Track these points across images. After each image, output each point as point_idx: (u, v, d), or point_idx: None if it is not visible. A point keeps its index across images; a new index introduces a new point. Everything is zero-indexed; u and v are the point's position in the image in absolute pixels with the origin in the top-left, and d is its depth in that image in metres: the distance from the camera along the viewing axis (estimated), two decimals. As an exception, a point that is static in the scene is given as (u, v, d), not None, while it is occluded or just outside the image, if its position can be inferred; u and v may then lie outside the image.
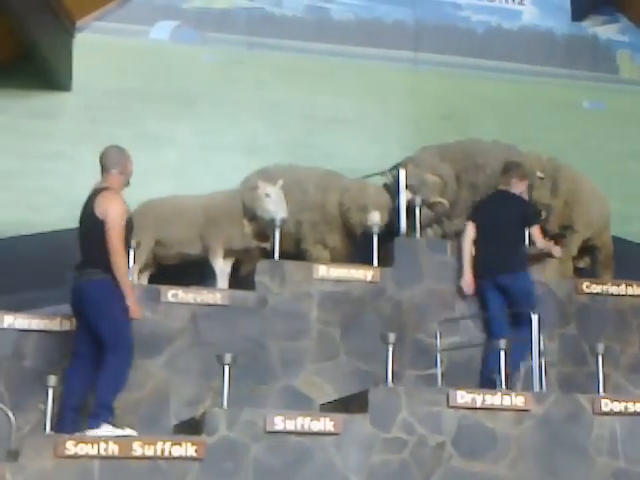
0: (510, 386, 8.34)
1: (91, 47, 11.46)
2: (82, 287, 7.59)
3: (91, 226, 7.60)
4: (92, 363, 7.55)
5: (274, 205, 9.37)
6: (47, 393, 7.48)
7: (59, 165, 11.02)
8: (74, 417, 7.55)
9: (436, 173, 10.19)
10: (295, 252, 9.87)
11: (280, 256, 9.30)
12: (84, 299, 7.58)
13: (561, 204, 10.29)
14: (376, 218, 9.62)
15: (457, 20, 12.92)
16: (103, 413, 7.42)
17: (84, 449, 6.99)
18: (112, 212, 7.50)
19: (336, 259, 9.74)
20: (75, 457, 6.97)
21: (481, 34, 12.95)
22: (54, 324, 8.47)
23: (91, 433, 7.25)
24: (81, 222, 7.80)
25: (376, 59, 12.54)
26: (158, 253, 9.68)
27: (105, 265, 7.50)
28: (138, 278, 9.46)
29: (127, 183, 7.82)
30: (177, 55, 11.96)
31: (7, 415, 7.91)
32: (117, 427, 7.40)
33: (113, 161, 7.76)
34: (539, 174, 10.11)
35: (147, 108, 11.49)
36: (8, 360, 8.32)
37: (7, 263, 10.02)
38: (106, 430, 7.32)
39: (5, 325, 8.40)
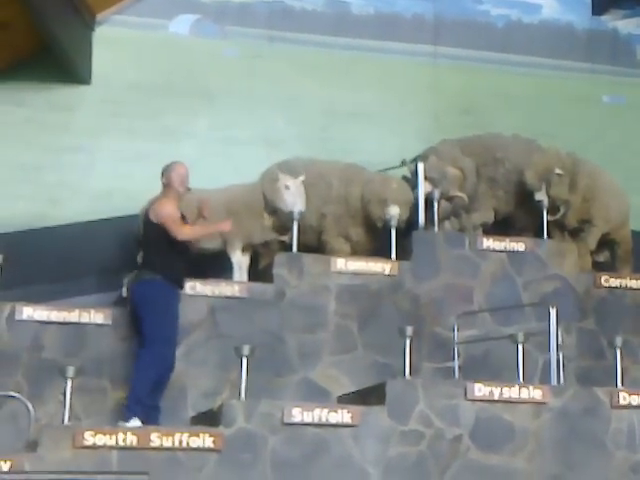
0: None
1: (111, 41, 11.47)
2: (133, 288, 8.26)
3: (145, 230, 8.40)
4: None
5: (292, 197, 9.40)
6: (65, 384, 7.52)
7: (79, 158, 11.04)
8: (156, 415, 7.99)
9: (457, 166, 10.18)
10: (317, 245, 9.87)
11: (302, 249, 9.32)
12: (133, 299, 8.23)
13: (580, 199, 10.27)
14: (395, 212, 9.62)
15: (477, 14, 12.86)
16: (133, 407, 7.71)
17: (102, 440, 7.04)
18: (163, 211, 8.22)
19: (359, 252, 9.73)
20: (93, 447, 7.02)
21: (501, 28, 12.90)
22: (73, 316, 8.52)
23: (121, 424, 7.50)
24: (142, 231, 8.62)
25: (395, 53, 12.51)
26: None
27: (154, 265, 8.13)
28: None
29: (182, 190, 8.43)
30: (197, 49, 11.95)
31: (26, 406, 7.95)
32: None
33: (161, 174, 8.50)
34: (557, 171, 10.10)
35: (166, 102, 11.48)
36: (27, 351, 8.38)
37: (27, 256, 10.05)
38: (134, 424, 7.50)
39: (24, 317, 8.45)
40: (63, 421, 7.41)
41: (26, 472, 6.85)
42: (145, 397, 7.78)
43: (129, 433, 7.13)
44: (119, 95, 11.37)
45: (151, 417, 7.92)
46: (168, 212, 8.22)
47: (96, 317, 8.52)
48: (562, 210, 10.18)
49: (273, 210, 9.56)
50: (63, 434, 7.08)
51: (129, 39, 11.64)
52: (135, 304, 8.21)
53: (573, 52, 12.94)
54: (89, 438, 7.03)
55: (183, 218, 8.41)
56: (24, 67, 11.09)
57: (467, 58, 12.64)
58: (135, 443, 7.09)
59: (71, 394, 7.49)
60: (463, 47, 12.69)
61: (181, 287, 8.42)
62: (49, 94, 11.19)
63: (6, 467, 6.87)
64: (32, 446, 7.29)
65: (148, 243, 8.33)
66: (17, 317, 8.41)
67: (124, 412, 7.75)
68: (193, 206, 9.05)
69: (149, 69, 11.61)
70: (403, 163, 10.29)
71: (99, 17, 11.53)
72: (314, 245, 9.89)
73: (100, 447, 7.03)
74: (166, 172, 8.47)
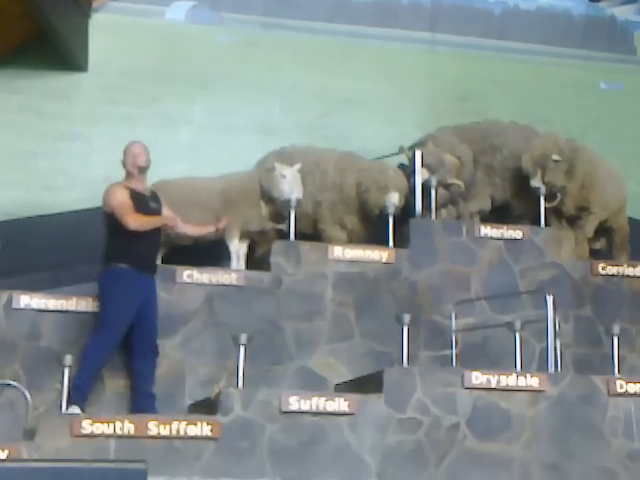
0: None
1: (107, 27, 11.43)
2: (99, 277, 8.23)
3: (105, 218, 8.27)
4: (142, 351, 8.12)
5: (289, 186, 9.38)
6: (63, 373, 7.52)
7: (75, 146, 11.02)
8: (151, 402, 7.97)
9: (455, 154, 10.17)
10: (313, 233, 9.87)
11: (298, 237, 9.31)
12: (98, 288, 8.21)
13: (578, 186, 10.25)
14: (395, 199, 9.62)
15: (474, 0, 12.83)
16: (72, 394, 7.62)
17: (100, 428, 7.06)
18: (112, 201, 8.15)
19: (354, 240, 9.74)
20: (91, 436, 7.05)
21: (498, 15, 12.87)
22: (70, 304, 8.50)
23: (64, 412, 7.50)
24: None
25: (392, 40, 12.47)
26: (171, 234, 9.62)
27: (108, 254, 8.13)
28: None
29: (135, 170, 8.31)
30: (193, 36, 11.92)
31: (24, 394, 7.95)
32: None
33: None
34: (554, 157, 10.08)
35: (162, 89, 11.46)
36: (24, 340, 8.36)
37: (23, 244, 10.04)
38: (72, 412, 7.51)
39: (22, 305, 8.43)
40: (61, 409, 7.41)
41: (24, 460, 6.85)
42: (84, 384, 7.71)
43: (127, 421, 7.15)
44: (115, 82, 11.33)
45: (148, 405, 7.94)
46: (116, 202, 8.12)
47: (93, 305, 8.48)
48: (559, 197, 10.16)
49: (270, 199, 9.55)
50: (61, 422, 7.11)
51: (125, 26, 11.60)
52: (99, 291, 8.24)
53: (570, 39, 12.91)
54: (87, 427, 7.06)
55: (138, 201, 8.21)
56: (19, 54, 11.06)
57: (464, 45, 12.62)
58: (133, 432, 7.12)
59: (69, 382, 7.49)
60: (460, 34, 12.66)
61: (152, 272, 8.30)
62: (45, 81, 11.15)
63: (3, 455, 6.89)
64: (30, 434, 7.30)
65: (109, 230, 8.23)
66: (14, 305, 8.39)
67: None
68: (185, 195, 9.12)
69: (145, 56, 11.57)
70: (401, 150, 10.28)
71: (95, 4, 11.49)
72: (310, 233, 9.88)
73: (98, 435, 7.06)
74: (123, 155, 8.41)
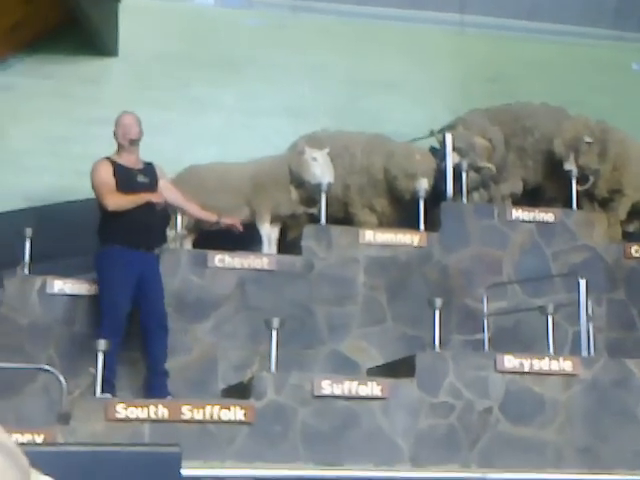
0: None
1: (137, 12, 11.43)
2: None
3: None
4: (151, 328, 8.00)
5: (321, 169, 9.37)
6: (97, 357, 7.56)
7: (106, 130, 10.96)
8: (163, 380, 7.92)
9: (485, 136, 10.12)
10: (343, 217, 9.86)
11: (328, 221, 9.30)
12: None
13: (610, 168, 10.18)
14: (425, 185, 9.59)
15: (504, -19, 12.74)
16: (103, 384, 7.50)
17: (134, 412, 7.10)
18: (94, 179, 8.07)
19: (384, 223, 9.72)
20: (126, 420, 7.09)
21: (529, -5, 12.78)
22: (103, 289, 8.53)
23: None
24: None
25: (422, 22, 12.41)
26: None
27: (100, 234, 8.06)
28: (181, 244, 9.45)
29: (125, 142, 8.13)
30: (222, 19, 11.91)
31: (58, 379, 7.99)
32: None
33: None
34: (587, 139, 10.01)
35: (192, 73, 11.47)
36: (58, 325, 8.41)
37: (55, 229, 10.08)
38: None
39: (55, 290, 8.48)
40: (95, 394, 7.46)
41: (59, 444, 6.90)
42: (108, 374, 7.54)
43: (160, 406, 7.20)
44: (146, 67, 11.36)
45: (159, 383, 7.87)
46: (97, 181, 7.99)
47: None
48: (591, 180, 10.10)
49: (300, 183, 9.54)
50: (95, 407, 7.16)
51: (155, 10, 11.60)
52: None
53: (602, 19, 12.79)
54: (121, 411, 7.10)
55: (124, 177, 8.00)
56: (50, 40, 11.09)
57: (494, 26, 12.53)
58: (166, 416, 7.16)
59: (103, 367, 7.54)
60: (490, 15, 12.57)
61: (148, 248, 8.10)
62: (76, 66, 11.18)
63: (39, 439, 6.94)
64: (65, 419, 7.34)
65: (99, 209, 8.09)
66: (48, 290, 8.44)
67: None
68: (215, 180, 9.15)
69: (175, 40, 11.58)
70: (431, 134, 10.25)
71: (125, -12, 11.52)
72: (340, 217, 9.88)
73: (132, 420, 7.10)
74: (115, 126, 8.21)
